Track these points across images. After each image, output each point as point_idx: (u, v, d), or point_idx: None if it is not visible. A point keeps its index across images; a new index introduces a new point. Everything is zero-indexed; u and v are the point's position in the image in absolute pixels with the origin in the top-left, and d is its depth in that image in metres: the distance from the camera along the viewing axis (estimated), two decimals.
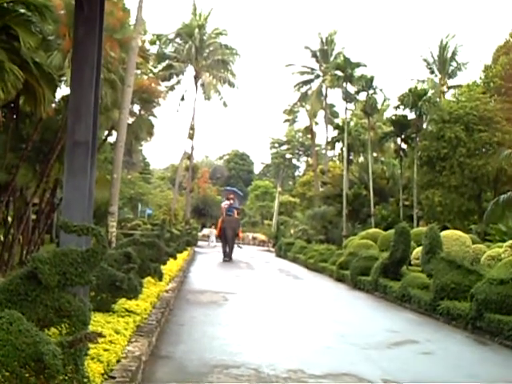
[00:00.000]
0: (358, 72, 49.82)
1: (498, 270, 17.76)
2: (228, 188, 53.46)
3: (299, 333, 13.35)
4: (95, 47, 9.61)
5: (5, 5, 15.45)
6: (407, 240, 21.76)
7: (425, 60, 59.04)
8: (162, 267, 17.07)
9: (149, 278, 15.44)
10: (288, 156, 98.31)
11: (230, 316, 15.34)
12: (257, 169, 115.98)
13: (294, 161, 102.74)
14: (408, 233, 21.97)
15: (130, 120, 34.08)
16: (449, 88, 58.79)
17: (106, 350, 7.53)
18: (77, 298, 6.80)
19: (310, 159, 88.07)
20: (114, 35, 25.33)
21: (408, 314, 17.98)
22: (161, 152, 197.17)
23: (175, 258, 23.11)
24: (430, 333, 14.53)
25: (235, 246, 42.05)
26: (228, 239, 39.73)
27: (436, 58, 58.38)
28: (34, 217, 28.54)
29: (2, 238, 23.77)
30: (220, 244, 43.41)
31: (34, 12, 15.86)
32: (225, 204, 45.48)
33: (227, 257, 38.76)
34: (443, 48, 57.43)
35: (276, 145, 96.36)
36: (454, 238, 26.17)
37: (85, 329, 6.66)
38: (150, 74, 46.60)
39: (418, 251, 25.23)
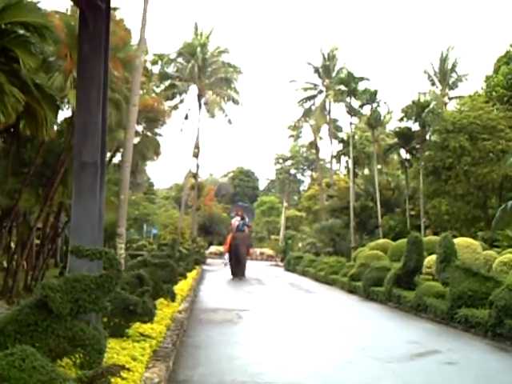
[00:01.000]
0: (361, 86, 50.20)
1: None
2: (240, 204, 52.71)
3: (319, 348, 13.03)
4: (101, 65, 9.20)
5: (3, 26, 15.19)
6: (420, 249, 21.68)
7: (426, 72, 59.80)
8: (174, 287, 16.78)
9: (161, 300, 15.15)
10: (292, 171, 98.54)
11: (247, 334, 15.01)
12: (262, 185, 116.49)
13: (299, 175, 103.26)
14: (421, 242, 21.91)
15: (135, 140, 33.81)
16: (450, 99, 59.31)
17: (123, 378, 7.15)
18: (91, 326, 6.49)
19: (314, 173, 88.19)
20: (116, 54, 25.09)
21: (425, 323, 17.83)
22: (164, 172, 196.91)
23: (185, 277, 22.86)
24: (450, 342, 14.34)
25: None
26: (241, 256, 39.17)
27: (437, 70, 59.19)
28: (37, 241, 28.17)
29: (6, 265, 23.46)
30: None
31: (34, 33, 15.59)
32: (235, 220, 43.91)
33: (240, 274, 38.20)
34: (443, 60, 58.34)
35: (280, 160, 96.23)
36: (464, 245, 25.96)
37: (100, 358, 6.35)
38: (153, 94, 46.41)
39: (429, 260, 25.02)
